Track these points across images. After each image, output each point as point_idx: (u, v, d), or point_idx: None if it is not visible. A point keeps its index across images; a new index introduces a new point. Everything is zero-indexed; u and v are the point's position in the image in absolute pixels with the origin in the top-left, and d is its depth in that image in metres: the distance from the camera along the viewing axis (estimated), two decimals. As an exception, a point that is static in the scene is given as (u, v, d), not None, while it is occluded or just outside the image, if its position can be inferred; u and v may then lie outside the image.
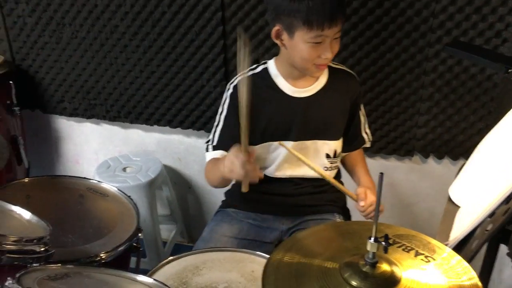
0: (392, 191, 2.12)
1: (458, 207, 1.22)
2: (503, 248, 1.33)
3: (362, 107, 1.62)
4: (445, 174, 2.01)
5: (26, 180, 1.66)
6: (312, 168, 1.40)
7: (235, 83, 1.51)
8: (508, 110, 1.31)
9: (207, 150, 1.54)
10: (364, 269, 0.89)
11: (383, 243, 0.89)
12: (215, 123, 1.55)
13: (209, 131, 2.13)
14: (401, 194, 2.11)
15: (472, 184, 1.21)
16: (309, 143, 1.51)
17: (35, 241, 1.03)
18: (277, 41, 1.42)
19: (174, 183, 2.36)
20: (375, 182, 1.56)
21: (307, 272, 0.92)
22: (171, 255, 2.28)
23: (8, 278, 0.88)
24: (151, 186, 2.12)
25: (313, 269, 0.93)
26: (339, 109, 1.54)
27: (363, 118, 1.62)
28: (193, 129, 2.18)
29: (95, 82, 2.19)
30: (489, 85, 1.80)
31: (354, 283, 0.88)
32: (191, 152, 2.29)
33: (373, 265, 0.89)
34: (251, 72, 1.51)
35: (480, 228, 0.99)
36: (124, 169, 2.18)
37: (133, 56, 2.09)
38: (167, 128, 2.22)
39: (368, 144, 1.67)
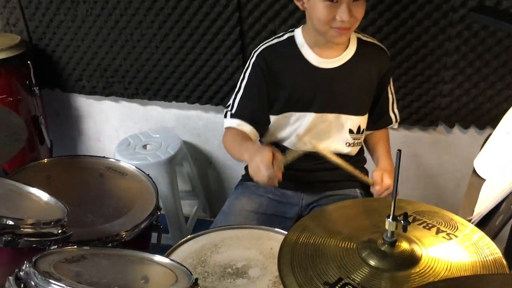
0: (415, 162, 2.07)
1: (483, 180, 1.18)
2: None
3: (391, 84, 1.56)
4: (471, 144, 1.94)
5: (46, 160, 1.67)
6: (324, 156, 1.36)
7: (258, 51, 1.47)
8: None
9: (225, 116, 1.52)
10: (382, 248, 0.87)
11: (402, 221, 0.85)
12: (236, 89, 1.52)
13: (227, 105, 2.13)
14: (425, 166, 2.06)
15: (498, 156, 1.16)
16: (331, 116, 1.47)
17: (52, 223, 1.04)
18: (298, 3, 1.39)
19: (195, 159, 2.36)
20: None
21: (324, 252, 0.90)
22: (194, 230, 2.35)
23: (25, 262, 0.88)
24: (171, 163, 2.12)
25: (330, 249, 0.91)
26: (365, 83, 1.48)
27: (391, 96, 1.56)
28: (211, 104, 2.16)
29: (112, 60, 2.18)
30: (518, 50, 1.71)
31: (372, 262, 0.86)
32: (210, 128, 2.27)
33: (392, 244, 0.86)
34: (276, 40, 1.48)
35: (505, 203, 0.95)
36: (144, 146, 2.19)
37: (149, 32, 2.06)
38: (185, 104, 2.20)
39: (395, 125, 1.61)
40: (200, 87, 2.13)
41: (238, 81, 2.01)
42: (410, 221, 0.87)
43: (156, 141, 2.21)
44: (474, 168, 1.23)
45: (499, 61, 1.75)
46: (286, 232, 1.29)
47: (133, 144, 2.20)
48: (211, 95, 2.13)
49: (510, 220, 0.91)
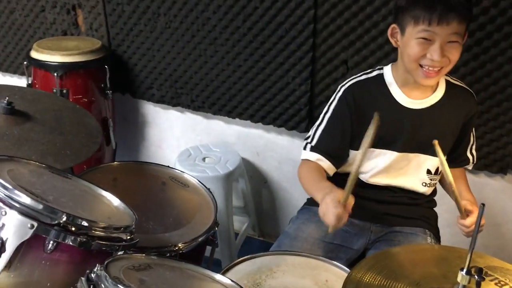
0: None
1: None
2: None
3: (473, 128, 1.54)
4: (540, 196, 1.86)
5: (115, 164, 1.73)
6: (451, 187, 1.32)
7: (346, 86, 1.48)
8: None
9: (304, 148, 1.52)
10: (452, 302, 0.84)
11: (476, 276, 0.83)
12: (318, 122, 1.52)
13: (290, 128, 2.15)
14: (488, 213, 1.97)
15: None
16: (412, 155, 1.46)
17: (122, 229, 1.07)
18: (392, 40, 1.40)
19: (250, 177, 2.38)
20: None
21: (389, 296, 0.88)
22: (242, 247, 2.36)
23: (97, 264, 0.92)
24: (229, 178, 2.15)
25: (395, 293, 0.89)
26: (451, 126, 1.46)
27: (472, 139, 1.54)
28: (274, 125, 2.18)
29: (183, 72, 2.24)
30: None
31: (439, 314, 0.84)
32: (270, 148, 2.29)
33: (463, 298, 0.84)
34: (364, 76, 1.48)
35: None
36: (203, 159, 2.23)
37: (222, 49, 2.11)
38: (248, 122, 2.23)
39: (470, 166, 1.58)
40: (265, 107, 2.15)
41: (303, 105, 2.06)
42: (484, 279, 0.84)
43: (216, 155, 2.25)
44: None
45: None
46: (343, 266, 1.30)
47: (193, 155, 2.25)
48: (275, 116, 2.15)
49: None
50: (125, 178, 1.66)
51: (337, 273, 1.28)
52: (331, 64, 1.96)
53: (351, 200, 1.25)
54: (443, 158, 1.30)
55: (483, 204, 0.81)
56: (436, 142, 1.27)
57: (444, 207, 1.64)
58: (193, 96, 2.28)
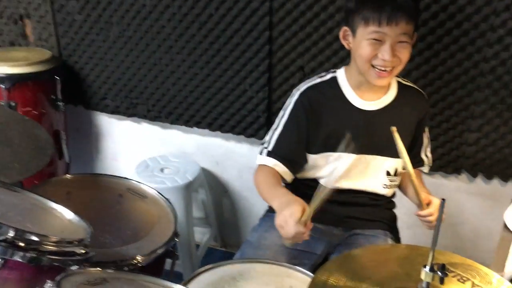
0: (435, 209, 2.04)
1: (514, 235, 1.15)
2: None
3: (427, 129, 1.56)
4: (494, 195, 1.92)
5: (68, 176, 1.67)
6: (411, 176, 1.32)
7: (301, 90, 1.47)
8: None
9: (261, 153, 1.50)
10: (416, 299, 0.84)
11: (439, 273, 0.83)
12: (274, 126, 1.51)
13: (249, 136, 2.14)
14: (445, 213, 2.02)
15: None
16: (370, 157, 1.46)
17: (75, 242, 1.02)
18: (344, 43, 1.41)
19: (211, 187, 2.35)
20: None
21: (354, 297, 0.87)
22: (204, 258, 2.31)
23: (48, 280, 0.86)
24: (188, 189, 2.10)
25: (360, 294, 0.88)
26: (405, 126, 1.47)
27: (426, 140, 1.56)
28: (233, 133, 2.16)
29: (138, 81, 2.19)
30: (548, 104, 1.70)
31: (404, 313, 0.83)
32: (229, 157, 2.27)
33: (427, 296, 0.84)
34: (319, 80, 1.48)
35: (543, 263, 0.92)
36: (162, 170, 2.18)
37: (177, 58, 2.08)
38: (207, 131, 2.20)
39: (426, 169, 1.60)
40: (223, 115, 2.13)
41: (261, 112, 2.05)
42: (447, 274, 0.85)
43: (175, 165, 2.20)
44: (504, 222, 1.20)
45: (528, 115, 1.74)
46: (305, 271, 1.28)
47: (151, 166, 2.20)
48: (234, 124, 2.13)
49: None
50: (80, 191, 1.59)
51: (301, 278, 1.27)
52: (288, 70, 1.97)
53: (310, 223, 1.23)
54: (402, 145, 1.29)
55: (444, 200, 0.82)
56: (394, 128, 1.27)
57: (403, 209, 1.66)
58: (149, 106, 2.23)
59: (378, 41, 1.30)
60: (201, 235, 2.39)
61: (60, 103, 2.17)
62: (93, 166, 2.52)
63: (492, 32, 1.67)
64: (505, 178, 1.87)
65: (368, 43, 1.31)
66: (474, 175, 1.92)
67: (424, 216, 1.37)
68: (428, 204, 1.37)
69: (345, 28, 1.39)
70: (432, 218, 1.36)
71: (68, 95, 2.27)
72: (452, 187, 1.97)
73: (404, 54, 1.33)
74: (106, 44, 2.16)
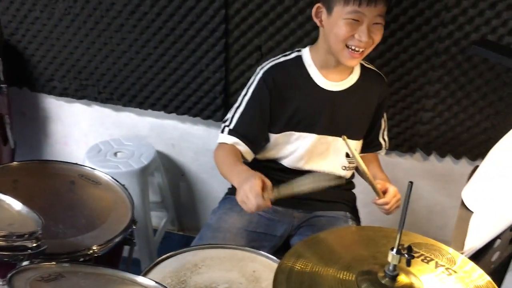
0: (391, 187, 2.08)
1: (471, 212, 1.17)
2: None
3: (385, 113, 1.57)
4: (447, 172, 1.97)
5: (14, 164, 1.56)
6: (363, 171, 1.32)
7: (265, 68, 1.44)
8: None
9: (222, 131, 1.47)
10: (383, 282, 0.84)
11: (406, 255, 0.83)
12: (236, 104, 1.48)
13: (206, 118, 2.09)
14: (400, 191, 2.06)
15: (488, 190, 1.16)
16: (331, 139, 1.46)
17: (26, 236, 0.95)
18: (316, 20, 1.37)
19: (167, 170, 2.29)
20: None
21: (322, 282, 0.87)
22: (161, 243, 2.27)
23: (-2, 278, 0.80)
24: (144, 173, 2.04)
25: (327, 279, 0.87)
26: (366, 109, 1.49)
27: (383, 124, 1.58)
28: (189, 115, 2.10)
29: (88, 62, 2.09)
30: (498, 84, 1.75)
31: (372, 296, 0.83)
32: (186, 139, 2.21)
33: (394, 278, 0.84)
34: (283, 58, 1.45)
35: (502, 240, 0.95)
36: (115, 154, 2.10)
37: (129, 37, 1.99)
38: (162, 113, 2.13)
39: (383, 152, 1.62)
40: (178, 97, 2.07)
41: (218, 93, 2.01)
42: (414, 257, 0.85)
43: (129, 149, 2.13)
44: (462, 200, 1.23)
45: (479, 93, 1.79)
46: (269, 255, 1.27)
47: (104, 150, 2.11)
48: (190, 105, 2.07)
49: (508, 258, 0.91)
50: (27, 179, 1.50)
51: (263, 262, 1.25)
52: (245, 50, 1.92)
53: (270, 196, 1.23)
54: (354, 150, 1.31)
55: (411, 182, 0.81)
56: (344, 137, 1.27)
57: (359, 188, 1.67)
58: (100, 87, 2.13)
59: (356, 21, 1.29)
60: (158, 219, 2.33)
61: (3, 86, 2.03)
62: (41, 152, 2.40)
63: (446, 12, 1.69)
64: (457, 156, 1.93)
65: (346, 22, 1.29)
66: (428, 153, 1.96)
67: (381, 205, 1.38)
68: (384, 192, 1.38)
69: (318, 5, 1.35)
70: (388, 206, 1.37)
71: (12, 77, 2.12)
72: (407, 165, 2.01)
73: (378, 35, 1.33)
74: (51, 21, 2.03)
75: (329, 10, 1.32)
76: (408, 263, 0.84)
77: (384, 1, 1.29)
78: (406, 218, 2.19)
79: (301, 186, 1.24)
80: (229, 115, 1.48)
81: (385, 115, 1.58)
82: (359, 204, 1.68)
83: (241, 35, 1.90)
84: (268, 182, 1.23)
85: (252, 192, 1.20)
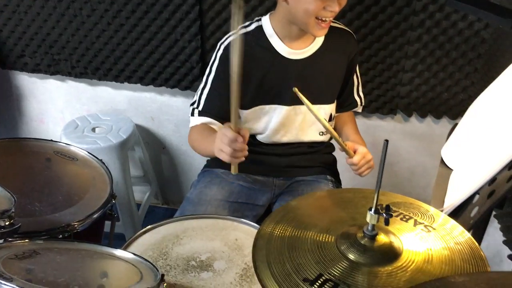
0: (373, 150, 2.04)
1: (451, 170, 1.17)
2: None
3: (357, 68, 1.53)
4: (427, 133, 1.97)
5: (-14, 143, 1.52)
6: (316, 116, 1.28)
7: (226, 43, 1.39)
8: (498, 67, 1.25)
9: (192, 114, 1.44)
10: (362, 242, 0.84)
11: (384, 214, 0.82)
12: (201, 85, 1.44)
13: (184, 89, 2.05)
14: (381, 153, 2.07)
15: (467, 147, 1.16)
16: (304, 108, 1.43)
17: (-2, 214, 0.93)
18: None
19: (147, 144, 2.26)
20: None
21: (301, 246, 0.86)
22: (145, 217, 2.25)
23: (-31, 259, 0.78)
24: (123, 147, 2.01)
25: (307, 242, 0.86)
26: (335, 71, 1.45)
27: (356, 80, 1.55)
28: (167, 86, 2.06)
29: (59, 36, 2.02)
30: (477, 41, 1.73)
31: (351, 256, 0.83)
32: (165, 111, 2.18)
33: (373, 237, 0.83)
34: (243, 30, 1.39)
35: (480, 195, 0.94)
36: (93, 129, 2.06)
37: (100, 7, 1.92)
38: (139, 85, 2.09)
39: (359, 109, 1.60)
40: (155, 68, 2.02)
41: (195, 63, 1.96)
42: (392, 215, 0.84)
43: (107, 124, 2.09)
44: (441, 158, 1.22)
45: (458, 52, 1.77)
46: (251, 222, 1.26)
47: (81, 126, 2.07)
48: (167, 77, 2.03)
49: (487, 212, 0.91)
50: (1, 158, 1.46)
51: (246, 230, 1.24)
52: (220, 17, 1.87)
53: (246, 130, 1.19)
54: (308, 102, 1.26)
55: (387, 140, 0.80)
56: (295, 89, 1.23)
57: (342, 153, 1.67)
58: (73, 62, 2.07)
59: None
60: (141, 193, 2.32)
61: (-29, 63, 1.97)
62: (17, 130, 2.35)
63: (423, -31, 1.65)
64: (438, 116, 1.92)
65: None
66: (409, 114, 1.95)
67: (351, 164, 1.38)
68: (355, 152, 1.37)
69: None
70: (356, 167, 1.37)
71: (-20, 54, 2.06)
72: (389, 128, 2.00)
73: (344, 2, 1.30)
74: (18, -5, 1.96)
75: None
76: (387, 222, 0.83)
77: None
78: (388, 181, 2.20)
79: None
80: (196, 97, 1.45)
81: (357, 70, 1.54)
82: (342, 168, 1.67)
83: (215, 1, 1.85)
84: (244, 132, 1.18)
85: (223, 137, 1.17)
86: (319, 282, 0.78)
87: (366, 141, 1.57)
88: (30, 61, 2.11)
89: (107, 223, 1.47)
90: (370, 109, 1.95)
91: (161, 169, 2.35)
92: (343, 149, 1.38)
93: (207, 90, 1.42)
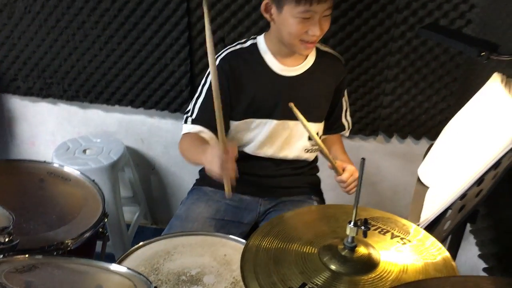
0: (358, 169, 2.15)
1: (427, 188, 1.24)
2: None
3: (345, 93, 1.61)
4: (408, 153, 2.05)
5: (-19, 164, 1.57)
6: (309, 131, 1.36)
7: (222, 56, 1.46)
8: (471, 91, 1.34)
9: (185, 122, 1.49)
10: (343, 253, 0.90)
11: (363, 227, 0.89)
12: (196, 94, 1.50)
13: (173, 111, 2.11)
14: (365, 173, 2.13)
15: (441, 165, 1.23)
16: (292, 123, 1.49)
17: (-2, 231, 0.97)
18: (266, 15, 1.39)
19: (137, 165, 2.31)
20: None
21: (286, 257, 0.92)
22: (135, 237, 2.29)
23: (-28, 272, 0.82)
24: (114, 168, 2.05)
25: (291, 254, 0.92)
26: (324, 91, 1.52)
27: (345, 105, 1.62)
28: (156, 109, 2.13)
29: (51, 60, 2.08)
30: (452, 66, 1.83)
31: (333, 267, 0.89)
32: (154, 133, 2.23)
33: (352, 249, 0.89)
34: (239, 46, 1.48)
35: (452, 210, 1.01)
36: (84, 151, 2.10)
37: (92, 33, 1.99)
38: (129, 108, 2.15)
39: (347, 133, 1.67)
40: (145, 91, 2.08)
41: (185, 86, 2.03)
42: (370, 228, 0.91)
43: (97, 145, 2.14)
44: (418, 177, 1.30)
45: (435, 76, 1.87)
46: (239, 239, 1.31)
47: (72, 148, 2.11)
48: (157, 99, 2.10)
49: (458, 225, 0.98)
50: (-4, 179, 1.51)
51: (234, 246, 1.30)
52: (208, 42, 1.95)
53: (234, 148, 1.25)
54: (303, 118, 1.33)
55: (363, 159, 0.87)
56: (292, 104, 1.30)
57: (326, 173, 1.73)
58: (65, 85, 2.13)
59: (308, 19, 1.31)
60: (131, 214, 2.35)
61: (-35, 87, 2.02)
62: (8, 153, 2.38)
63: (400, -2, 1.76)
64: (417, 137, 2.01)
65: (298, 21, 1.31)
66: (390, 135, 2.03)
67: (339, 182, 1.45)
68: (344, 170, 1.44)
69: (267, 1, 1.36)
70: (345, 184, 1.44)
71: (-27, 78, 2.11)
72: (371, 148, 2.08)
73: (328, 24, 1.37)
74: (12, 21, 2.02)
75: (279, 8, 1.34)
76: (365, 235, 0.89)
77: None
78: (372, 199, 2.27)
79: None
80: (190, 106, 1.50)
81: (346, 95, 1.62)
82: (327, 187, 1.74)
83: (204, 27, 1.92)
84: (233, 149, 1.24)
85: (212, 154, 1.23)
86: (303, 291, 0.83)
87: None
88: (23, 84, 2.16)
89: (98, 243, 1.51)
90: (353, 130, 2.02)
91: (151, 190, 2.39)
92: (333, 167, 1.44)
93: (201, 100, 1.48)
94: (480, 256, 1.34)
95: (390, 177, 2.14)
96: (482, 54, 1.03)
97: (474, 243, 1.46)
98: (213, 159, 1.23)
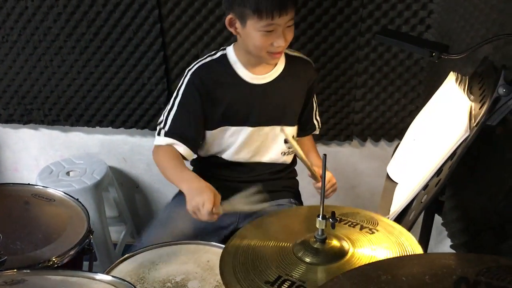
0: (335, 175, 2.20)
1: (396, 183, 1.31)
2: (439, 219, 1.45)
3: (314, 94, 1.67)
4: (382, 155, 2.13)
5: (-34, 190, 1.60)
6: (301, 158, 1.45)
7: (192, 70, 1.51)
8: (435, 91, 1.43)
9: (158, 133, 1.53)
10: (315, 246, 0.96)
11: (330, 219, 0.95)
12: (168, 107, 1.53)
13: (153, 129, 2.16)
14: (344, 178, 2.21)
15: (407, 161, 1.31)
16: (267, 128, 1.55)
17: (-15, 249, 1.01)
18: (231, 29, 1.43)
19: (121, 184, 2.35)
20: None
21: (263, 255, 0.97)
22: (122, 255, 2.31)
23: (-38, 287, 0.86)
24: (98, 188, 2.09)
25: (268, 252, 0.98)
26: (296, 95, 1.58)
27: (315, 105, 1.68)
28: (137, 128, 2.18)
29: (31, 86, 2.13)
30: (417, 69, 1.92)
31: (307, 259, 0.94)
32: (136, 152, 2.28)
33: (323, 241, 0.95)
34: (209, 58, 1.52)
35: (416, 200, 1.08)
36: (67, 173, 2.14)
37: (69, 58, 2.05)
38: (110, 128, 2.20)
39: (317, 131, 1.73)
40: (125, 111, 2.14)
41: (163, 104, 2.09)
42: (338, 220, 0.97)
43: (81, 167, 2.18)
44: (387, 174, 1.37)
45: (402, 80, 1.96)
46: (221, 245, 1.36)
47: (55, 171, 2.15)
48: (137, 119, 2.15)
49: (421, 214, 1.04)
50: (-19, 203, 1.54)
51: (217, 252, 1.34)
52: (184, 60, 2.02)
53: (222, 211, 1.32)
54: (292, 139, 1.42)
55: (325, 155, 0.93)
56: (282, 128, 1.37)
57: (306, 180, 1.79)
58: (45, 110, 2.18)
59: (271, 31, 1.36)
60: (117, 233, 2.38)
61: None
62: (-9, 180, 2.41)
63: (363, 8, 1.85)
64: (390, 139, 2.09)
65: (262, 34, 1.36)
66: (364, 139, 2.11)
67: (318, 188, 1.52)
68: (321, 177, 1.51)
69: (230, 16, 1.40)
70: (326, 189, 1.50)
71: (-46, 108, 2.15)
72: (347, 153, 2.16)
73: (291, 34, 1.42)
74: (-10, 50, 2.07)
75: (243, 23, 1.38)
76: (333, 226, 0.95)
77: (293, 6, 1.37)
78: (351, 202, 2.32)
79: (244, 206, 1.35)
80: (162, 118, 1.54)
81: (315, 96, 1.68)
82: (308, 194, 1.79)
83: (178, 46, 2.00)
84: (218, 196, 1.31)
85: (205, 207, 1.28)
86: (278, 282, 0.89)
87: (328, 167, 1.70)
88: (4, 112, 2.20)
89: (85, 263, 1.55)
90: (328, 136, 2.10)
91: (136, 208, 2.43)
92: (313, 175, 1.51)
93: (173, 112, 1.51)
94: (451, 246, 1.41)
95: (368, 179, 2.21)
96: (433, 54, 1.11)
97: (446, 235, 1.53)
98: (202, 215, 1.29)
